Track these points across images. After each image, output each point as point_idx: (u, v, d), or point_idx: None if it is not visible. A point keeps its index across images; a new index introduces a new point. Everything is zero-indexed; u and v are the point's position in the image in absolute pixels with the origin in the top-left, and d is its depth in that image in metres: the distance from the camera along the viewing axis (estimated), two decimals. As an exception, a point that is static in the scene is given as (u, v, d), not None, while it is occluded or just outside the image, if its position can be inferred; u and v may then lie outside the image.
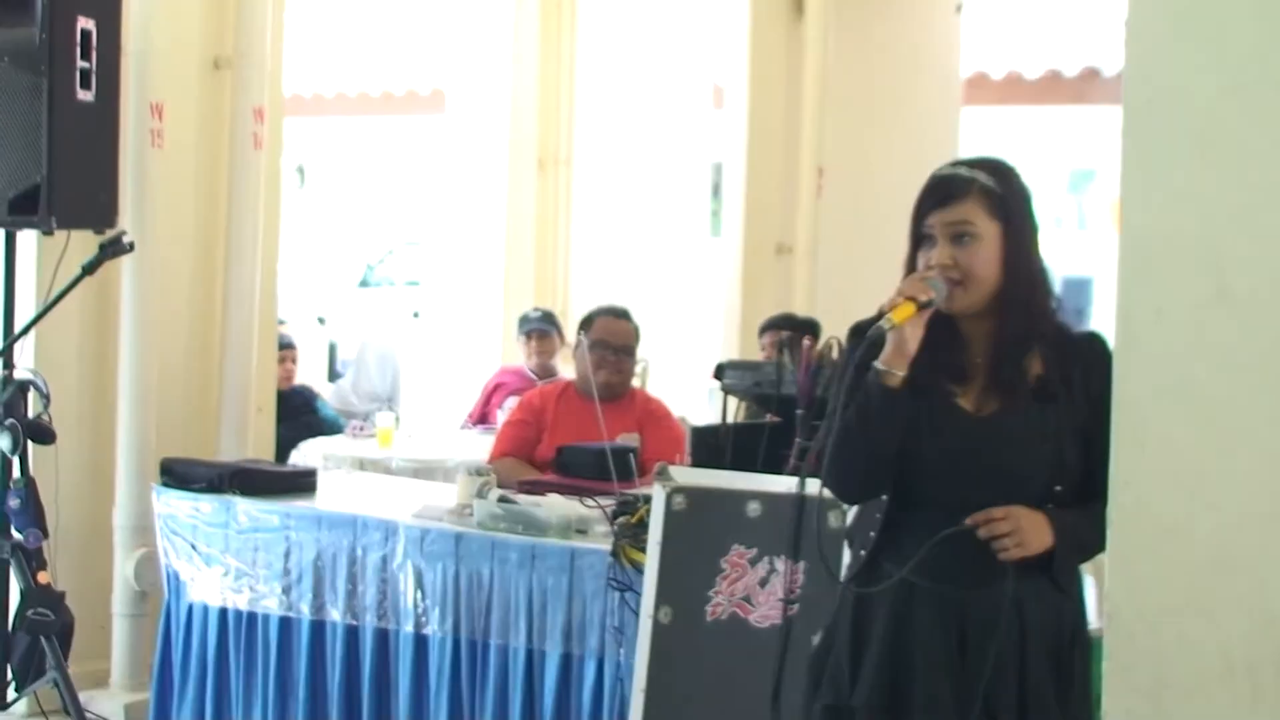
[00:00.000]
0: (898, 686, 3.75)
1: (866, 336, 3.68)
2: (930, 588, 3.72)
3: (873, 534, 3.81)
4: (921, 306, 3.66)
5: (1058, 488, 3.73)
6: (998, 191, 3.77)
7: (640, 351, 8.07)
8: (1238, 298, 2.86)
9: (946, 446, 3.73)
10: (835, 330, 4.92)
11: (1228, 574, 2.89)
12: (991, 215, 3.75)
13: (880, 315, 3.77)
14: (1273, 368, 2.85)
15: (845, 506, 4.12)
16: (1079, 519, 3.72)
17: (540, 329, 9.66)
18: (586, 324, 7.54)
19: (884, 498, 3.80)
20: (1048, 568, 3.73)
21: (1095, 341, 3.84)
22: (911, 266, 3.81)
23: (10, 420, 6.08)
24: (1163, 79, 2.92)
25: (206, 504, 6.58)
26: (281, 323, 9.31)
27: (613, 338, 7.37)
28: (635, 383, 8.38)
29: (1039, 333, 3.79)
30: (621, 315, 7.55)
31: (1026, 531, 3.67)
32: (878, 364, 3.66)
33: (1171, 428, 2.93)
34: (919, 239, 3.80)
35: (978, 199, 3.75)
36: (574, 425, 7.21)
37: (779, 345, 7.59)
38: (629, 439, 6.94)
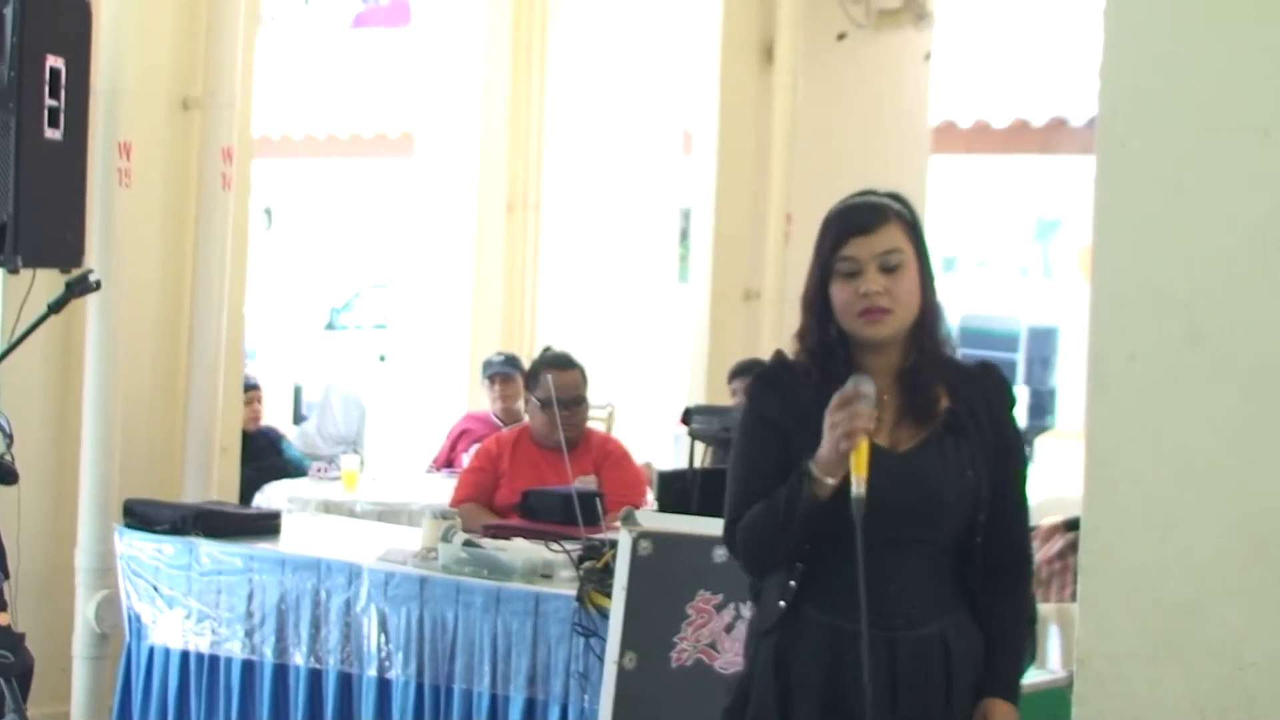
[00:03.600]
0: None
1: (853, 502, 3.53)
2: (856, 630, 3.66)
3: (792, 583, 3.71)
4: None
5: (981, 518, 3.67)
6: (910, 218, 3.72)
7: (606, 396, 8.03)
8: (1209, 341, 2.86)
9: (871, 486, 3.59)
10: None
11: (1199, 619, 2.88)
12: (910, 241, 3.68)
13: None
14: (1244, 411, 2.85)
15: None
16: (1014, 672, 3.73)
17: (503, 372, 9.62)
18: (533, 378, 7.45)
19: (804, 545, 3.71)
20: (970, 607, 3.70)
21: (992, 370, 3.81)
22: (822, 300, 3.71)
23: (-28, 459, 6.03)
24: (1135, 123, 2.92)
25: (169, 545, 6.54)
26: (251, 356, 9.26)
27: (563, 392, 7.21)
28: (601, 427, 8.36)
29: (943, 363, 3.75)
30: (565, 364, 7.42)
31: None
32: (812, 467, 3.56)
33: (1143, 471, 2.92)
34: (831, 271, 3.69)
35: (897, 225, 3.68)
36: (530, 472, 7.20)
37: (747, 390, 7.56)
38: (585, 482, 6.90)
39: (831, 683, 3.68)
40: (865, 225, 3.67)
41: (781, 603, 3.72)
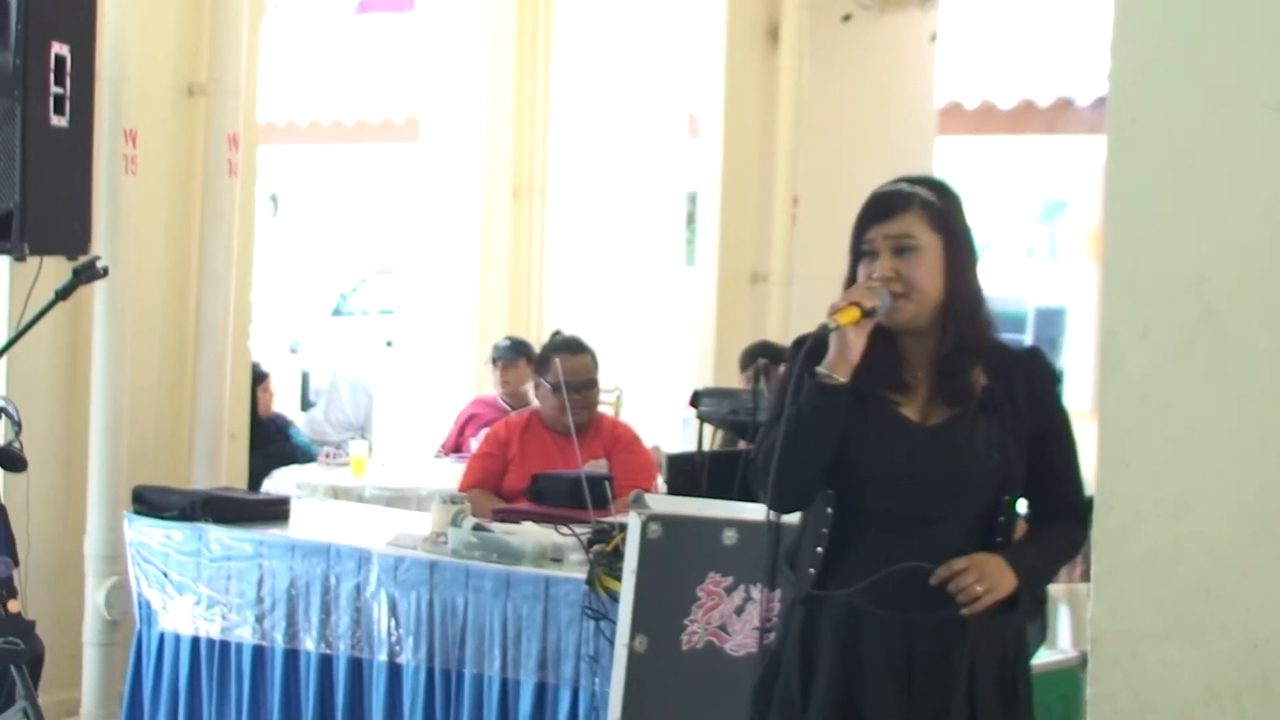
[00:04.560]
0: (850, 713, 3.72)
1: (811, 335, 3.66)
2: (875, 612, 3.70)
3: (820, 550, 3.77)
4: (866, 313, 3.65)
5: (1006, 496, 3.72)
6: (938, 206, 3.78)
7: (614, 380, 8.01)
8: (1223, 318, 2.85)
9: (896, 457, 3.71)
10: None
11: (1212, 598, 2.87)
12: (932, 229, 3.75)
13: (824, 330, 3.77)
14: (1257, 388, 2.84)
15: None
16: (1035, 552, 3.75)
17: (506, 357, 9.60)
18: (543, 363, 7.45)
19: (828, 511, 3.76)
20: (1008, 606, 3.71)
21: (1036, 353, 3.89)
22: (852, 282, 3.80)
23: (-19, 447, 6.03)
24: (1146, 99, 2.91)
25: (179, 532, 6.54)
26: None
27: (574, 376, 7.21)
28: (609, 411, 8.36)
29: (981, 349, 3.78)
30: (576, 349, 7.43)
31: (992, 577, 3.65)
32: (819, 369, 3.64)
33: (1156, 450, 2.92)
34: (859, 254, 3.80)
35: (919, 213, 3.75)
36: (540, 457, 7.20)
37: (756, 373, 7.57)
38: (597, 466, 6.90)
39: (845, 659, 3.72)
40: (882, 212, 3.78)
41: (811, 569, 3.76)
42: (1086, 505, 3.83)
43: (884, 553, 3.70)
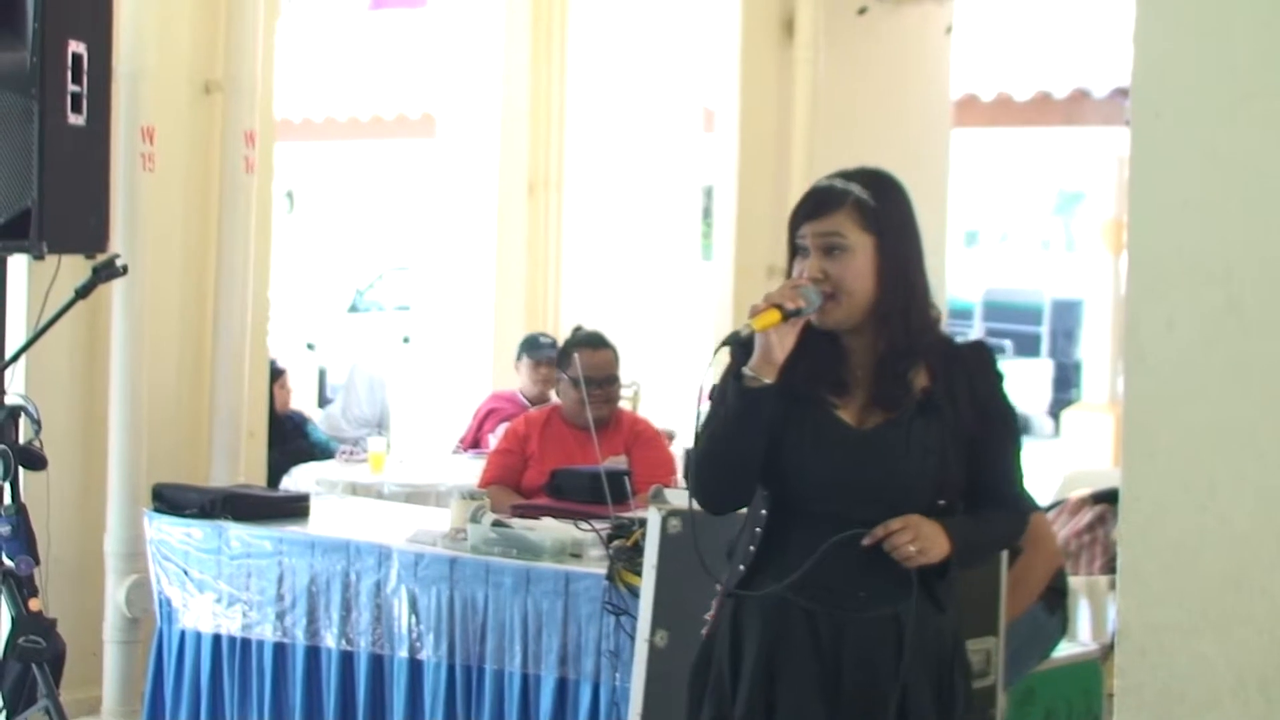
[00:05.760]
0: (772, 705, 3.72)
1: (721, 341, 3.65)
2: (803, 606, 3.70)
3: (752, 548, 3.77)
4: (789, 315, 3.61)
5: (941, 501, 3.70)
6: (871, 205, 3.72)
7: (632, 374, 8.00)
8: (1248, 309, 2.84)
9: (828, 460, 3.69)
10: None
11: (1240, 588, 2.87)
12: (864, 228, 3.71)
13: (735, 334, 3.77)
14: (1284, 379, 2.84)
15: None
16: (971, 525, 3.72)
17: (551, 357, 9.57)
18: (565, 357, 7.46)
19: (762, 511, 3.76)
20: (933, 581, 3.69)
21: (981, 348, 3.85)
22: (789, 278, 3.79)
23: (1, 446, 6.03)
24: (1169, 91, 2.90)
25: (198, 529, 6.55)
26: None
27: (595, 371, 7.23)
28: (627, 406, 8.35)
29: (921, 347, 3.74)
30: (598, 344, 7.45)
31: (927, 538, 3.62)
32: (745, 370, 3.63)
33: (1181, 441, 2.91)
34: (794, 250, 3.77)
35: (850, 211, 3.71)
36: (560, 453, 7.20)
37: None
38: (616, 462, 6.90)
39: (772, 653, 3.73)
40: (813, 209, 3.75)
41: (741, 566, 3.77)
42: (1024, 502, 3.88)
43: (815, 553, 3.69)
